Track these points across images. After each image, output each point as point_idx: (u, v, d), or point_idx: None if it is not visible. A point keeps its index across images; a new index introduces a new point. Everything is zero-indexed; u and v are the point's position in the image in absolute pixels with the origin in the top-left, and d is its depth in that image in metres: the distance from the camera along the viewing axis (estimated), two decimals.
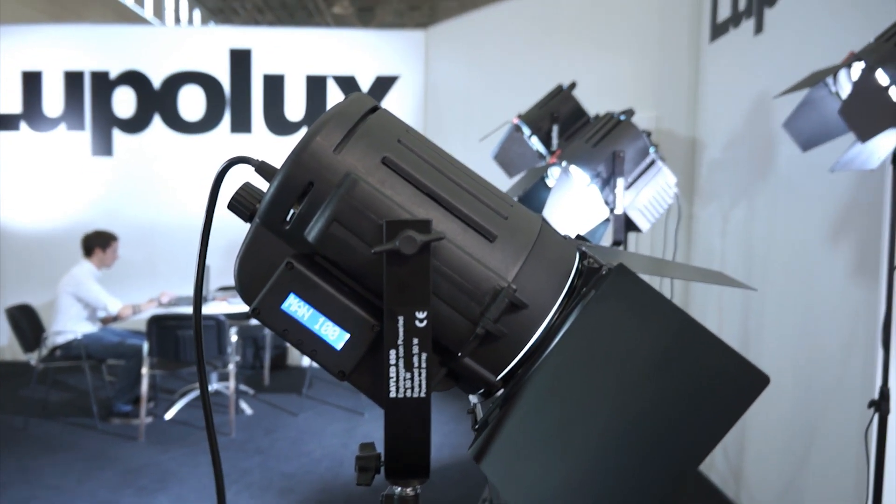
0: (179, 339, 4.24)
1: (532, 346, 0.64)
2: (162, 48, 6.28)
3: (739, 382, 0.50)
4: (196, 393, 4.94)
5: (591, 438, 0.56)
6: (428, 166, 0.66)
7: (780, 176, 3.02)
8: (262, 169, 0.70)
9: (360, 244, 0.62)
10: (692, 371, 0.52)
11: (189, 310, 4.52)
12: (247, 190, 0.69)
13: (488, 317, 0.62)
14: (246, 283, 0.67)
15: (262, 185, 0.71)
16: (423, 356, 0.62)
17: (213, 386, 4.97)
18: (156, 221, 6.20)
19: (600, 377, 0.57)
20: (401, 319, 0.61)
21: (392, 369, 0.62)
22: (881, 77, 1.85)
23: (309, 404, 4.94)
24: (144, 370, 4.31)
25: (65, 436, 4.23)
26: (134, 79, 6.23)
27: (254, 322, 5.67)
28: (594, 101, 3.29)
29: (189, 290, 5.43)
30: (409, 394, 0.62)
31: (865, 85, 1.88)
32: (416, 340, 0.61)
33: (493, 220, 0.65)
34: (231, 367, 4.41)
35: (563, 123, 2.84)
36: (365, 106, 0.68)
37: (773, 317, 3.05)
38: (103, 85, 6.24)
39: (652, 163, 2.35)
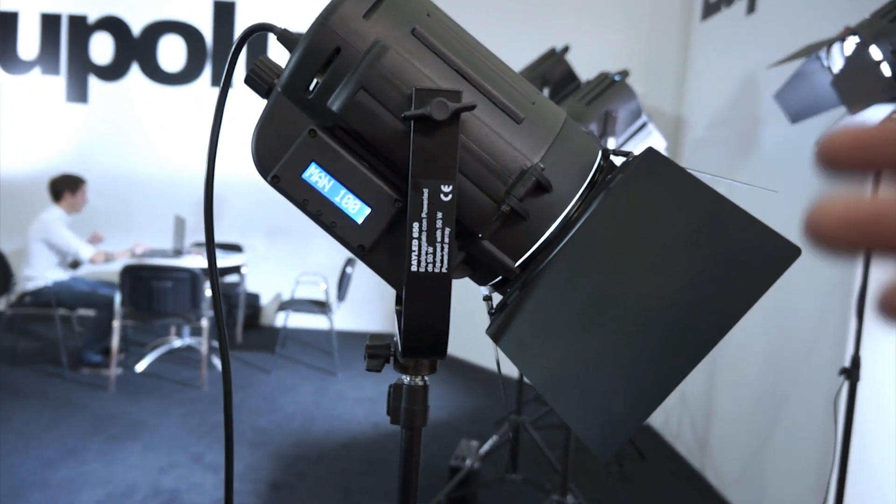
0: (153, 291, 4.18)
1: (551, 234, 0.64)
2: None
3: (770, 254, 0.51)
4: (167, 347, 4.89)
5: (614, 317, 0.56)
6: (457, 43, 0.65)
7: (764, 155, 3.06)
8: (285, 37, 0.67)
9: (386, 114, 0.61)
10: (723, 247, 0.53)
11: (164, 262, 4.46)
12: (264, 63, 0.67)
13: (514, 194, 0.61)
14: (263, 154, 0.65)
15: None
16: (447, 231, 0.61)
17: (186, 340, 4.93)
18: (131, 172, 6.07)
19: (627, 257, 0.58)
20: (426, 192, 0.60)
21: (414, 242, 0.61)
22: (875, 52, 1.88)
23: (282, 363, 4.93)
24: (116, 323, 4.25)
25: (33, 383, 4.17)
26: (113, 25, 6.06)
27: (228, 279, 5.63)
28: (581, 75, 3.28)
29: (164, 244, 5.36)
30: (430, 268, 0.61)
31: (858, 59, 1.91)
32: (440, 214, 0.60)
33: (521, 103, 0.64)
34: (204, 321, 4.37)
35: (554, 87, 2.83)
36: None
37: None
38: (81, 29, 6.07)
39: (643, 126, 2.36)
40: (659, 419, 4.00)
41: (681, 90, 4.18)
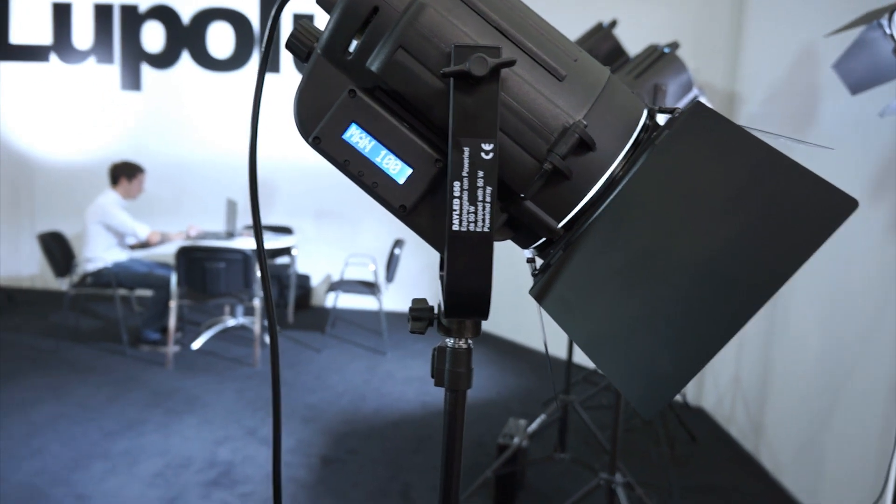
0: (207, 271, 4.29)
1: (595, 194, 0.62)
2: None
3: (826, 207, 0.49)
4: (221, 326, 5.03)
5: (662, 274, 0.55)
6: (497, 1, 0.63)
7: (822, 130, 2.95)
8: None
9: (425, 73, 0.60)
10: (775, 200, 0.51)
11: (217, 243, 4.57)
12: (304, 26, 0.67)
13: (556, 152, 0.60)
14: (304, 116, 0.66)
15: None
16: (489, 190, 0.60)
17: (239, 319, 5.06)
18: (183, 158, 6.23)
19: (674, 213, 0.56)
20: (466, 150, 0.59)
21: (456, 202, 0.60)
22: None
23: (332, 342, 5.02)
24: (172, 303, 4.39)
25: (95, 360, 4.34)
26: (163, 13, 6.19)
27: (279, 261, 5.74)
28: (629, 50, 3.21)
29: (217, 227, 5.48)
30: (472, 227, 0.61)
31: None
32: (481, 173, 0.60)
33: (562, 60, 0.63)
34: (257, 301, 4.47)
35: (602, 62, 2.77)
36: None
37: (805, 270, 3.03)
38: (132, 18, 6.22)
39: (695, 99, 2.31)
40: (711, 401, 3.94)
41: (733, 64, 4.06)
